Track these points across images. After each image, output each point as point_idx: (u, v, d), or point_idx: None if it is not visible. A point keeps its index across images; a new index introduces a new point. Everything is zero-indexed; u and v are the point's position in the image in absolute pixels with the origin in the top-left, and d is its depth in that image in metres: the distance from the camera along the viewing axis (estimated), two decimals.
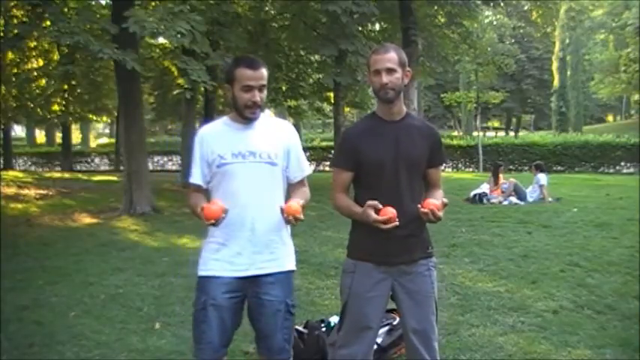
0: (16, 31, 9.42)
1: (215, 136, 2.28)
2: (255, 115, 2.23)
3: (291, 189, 2.36)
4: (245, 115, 2.22)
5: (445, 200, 2.24)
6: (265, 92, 2.23)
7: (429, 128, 2.37)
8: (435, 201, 2.18)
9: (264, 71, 2.20)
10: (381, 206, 2.12)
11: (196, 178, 2.29)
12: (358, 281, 2.28)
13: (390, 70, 2.19)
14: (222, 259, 2.22)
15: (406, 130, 2.28)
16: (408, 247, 2.27)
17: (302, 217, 2.12)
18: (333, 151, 19.69)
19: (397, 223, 2.11)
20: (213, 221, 2.08)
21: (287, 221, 2.13)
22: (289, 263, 2.31)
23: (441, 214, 2.16)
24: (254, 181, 2.22)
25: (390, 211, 2.11)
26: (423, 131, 2.32)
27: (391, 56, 2.20)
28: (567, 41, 37.08)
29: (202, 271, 2.25)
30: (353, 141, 2.29)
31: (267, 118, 2.35)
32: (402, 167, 2.24)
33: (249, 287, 2.22)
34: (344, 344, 2.34)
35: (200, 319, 2.22)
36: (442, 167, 2.56)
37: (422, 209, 2.14)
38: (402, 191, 2.23)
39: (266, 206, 2.23)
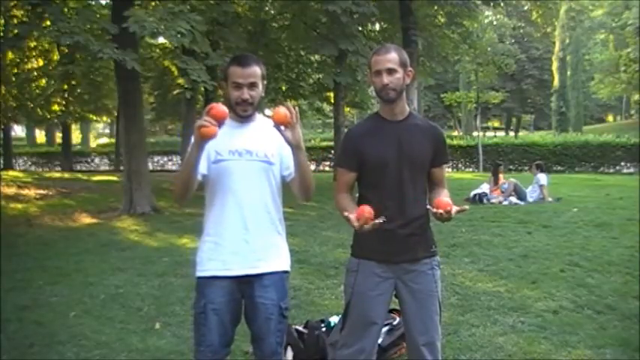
0: (16, 31, 9.40)
1: None
2: (247, 113, 2.22)
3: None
4: (237, 113, 2.22)
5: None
6: (257, 90, 2.21)
7: (432, 127, 2.36)
8: (448, 200, 2.12)
9: (255, 69, 2.19)
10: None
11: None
12: (361, 280, 2.28)
13: (391, 71, 2.19)
14: (218, 259, 2.20)
15: (409, 129, 2.27)
16: (410, 245, 2.27)
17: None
18: (333, 151, 19.68)
19: (380, 220, 2.04)
20: (215, 126, 1.95)
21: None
22: (284, 264, 2.29)
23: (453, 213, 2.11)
24: (249, 179, 2.20)
25: (367, 211, 2.04)
26: (426, 130, 2.31)
27: (392, 56, 2.20)
28: (567, 41, 37.06)
29: (200, 272, 2.25)
30: (355, 141, 2.28)
31: (264, 119, 2.34)
32: (405, 167, 2.24)
33: (245, 289, 2.22)
34: (346, 343, 2.32)
35: (200, 322, 2.22)
36: (446, 166, 2.55)
37: (437, 210, 2.08)
38: (406, 191, 2.23)
39: (261, 205, 2.22)
